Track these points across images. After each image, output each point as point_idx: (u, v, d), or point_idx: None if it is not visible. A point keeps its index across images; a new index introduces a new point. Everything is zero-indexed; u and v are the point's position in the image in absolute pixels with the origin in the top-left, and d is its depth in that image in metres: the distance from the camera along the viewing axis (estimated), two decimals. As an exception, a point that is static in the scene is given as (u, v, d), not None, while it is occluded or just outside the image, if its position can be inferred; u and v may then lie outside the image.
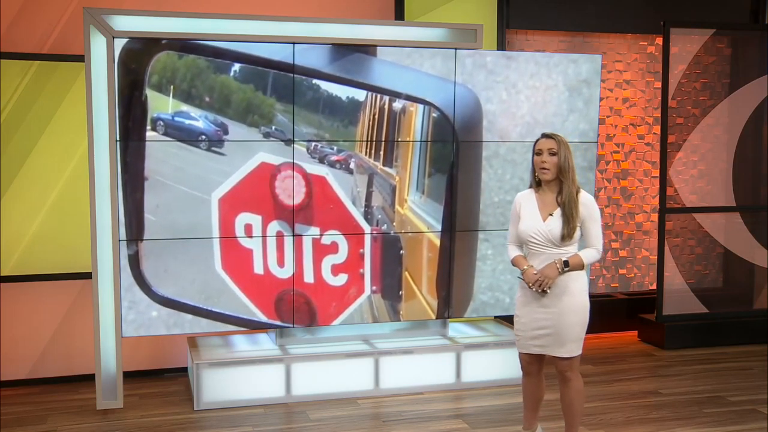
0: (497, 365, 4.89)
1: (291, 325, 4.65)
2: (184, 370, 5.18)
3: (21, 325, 4.92)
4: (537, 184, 3.54)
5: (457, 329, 5.22)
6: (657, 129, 6.44)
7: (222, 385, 4.52)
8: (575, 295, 3.49)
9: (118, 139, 4.25)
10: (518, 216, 3.55)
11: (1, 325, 4.87)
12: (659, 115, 6.18)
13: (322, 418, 4.36)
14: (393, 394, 4.75)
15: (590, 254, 3.49)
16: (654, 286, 6.36)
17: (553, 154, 3.42)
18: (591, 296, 5.28)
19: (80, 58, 4.57)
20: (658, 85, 6.36)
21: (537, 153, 3.47)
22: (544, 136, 3.48)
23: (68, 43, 4.85)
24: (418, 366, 4.82)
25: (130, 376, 4.90)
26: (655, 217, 6.40)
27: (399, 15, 5.41)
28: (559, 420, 3.88)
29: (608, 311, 6.35)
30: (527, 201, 3.55)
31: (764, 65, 6.11)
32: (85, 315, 4.91)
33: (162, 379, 5.11)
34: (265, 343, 4.92)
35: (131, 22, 4.25)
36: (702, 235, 6.21)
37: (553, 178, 3.45)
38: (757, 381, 5.08)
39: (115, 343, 4.41)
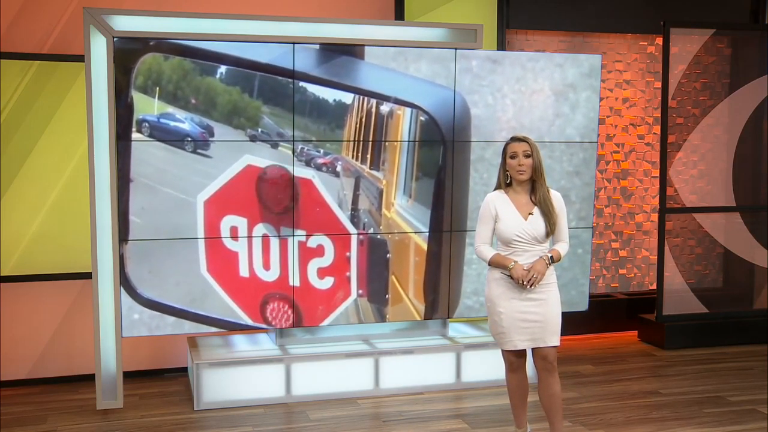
0: (497, 365, 4.83)
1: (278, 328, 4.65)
2: (184, 370, 5.19)
3: (21, 325, 4.92)
4: (507, 185, 3.64)
5: (457, 329, 5.22)
6: (657, 129, 6.44)
7: (222, 385, 4.52)
8: (555, 286, 3.66)
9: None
10: (493, 217, 3.61)
11: (1, 325, 4.88)
12: (659, 115, 6.18)
13: (322, 418, 4.36)
14: (393, 394, 4.75)
15: (565, 248, 3.69)
16: (654, 286, 6.36)
17: (528, 156, 3.55)
18: (591, 296, 5.37)
19: (80, 58, 4.57)
20: (658, 85, 6.36)
21: (511, 156, 3.57)
22: (516, 139, 3.59)
23: (68, 43, 4.85)
24: (418, 366, 4.82)
25: (130, 376, 4.90)
26: (655, 217, 6.40)
27: (399, 15, 5.41)
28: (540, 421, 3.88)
29: (608, 311, 6.35)
30: (502, 202, 3.62)
31: (764, 65, 6.11)
32: (85, 315, 4.91)
33: (162, 379, 5.11)
34: (265, 343, 4.92)
35: (131, 22, 4.26)
36: (702, 235, 6.21)
37: (528, 179, 3.58)
38: (757, 381, 5.08)
39: (115, 343, 4.41)
